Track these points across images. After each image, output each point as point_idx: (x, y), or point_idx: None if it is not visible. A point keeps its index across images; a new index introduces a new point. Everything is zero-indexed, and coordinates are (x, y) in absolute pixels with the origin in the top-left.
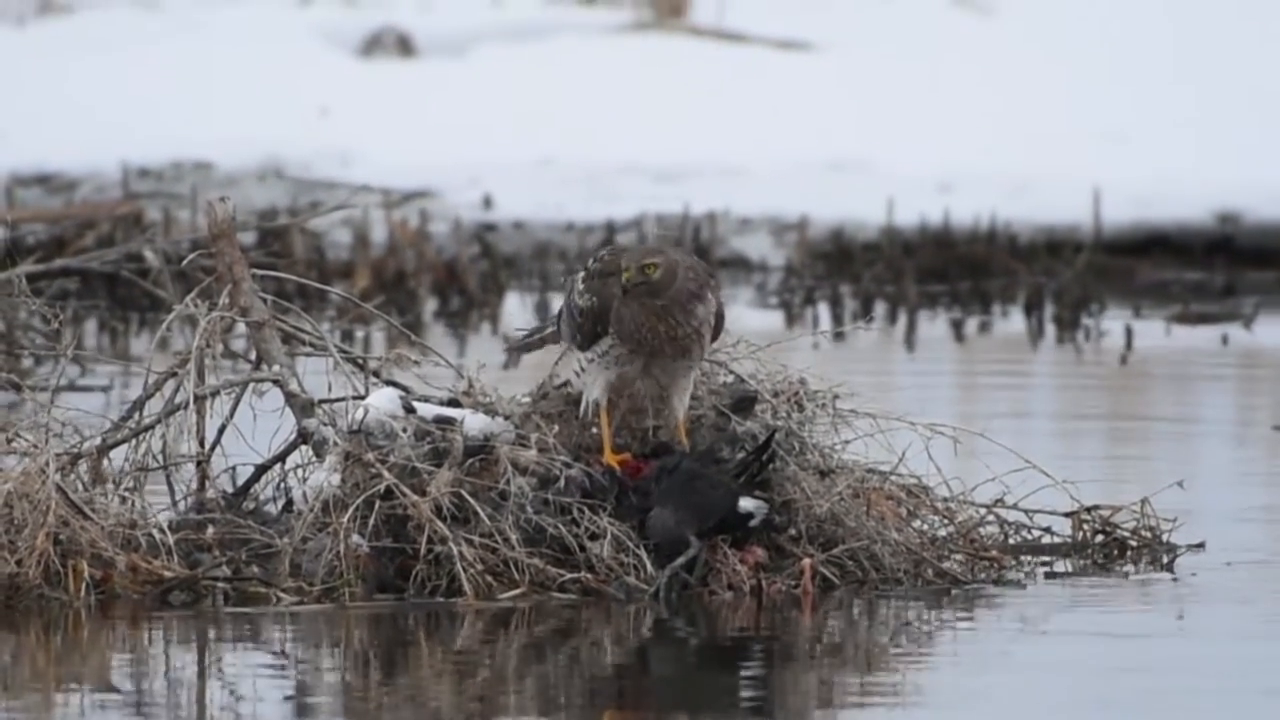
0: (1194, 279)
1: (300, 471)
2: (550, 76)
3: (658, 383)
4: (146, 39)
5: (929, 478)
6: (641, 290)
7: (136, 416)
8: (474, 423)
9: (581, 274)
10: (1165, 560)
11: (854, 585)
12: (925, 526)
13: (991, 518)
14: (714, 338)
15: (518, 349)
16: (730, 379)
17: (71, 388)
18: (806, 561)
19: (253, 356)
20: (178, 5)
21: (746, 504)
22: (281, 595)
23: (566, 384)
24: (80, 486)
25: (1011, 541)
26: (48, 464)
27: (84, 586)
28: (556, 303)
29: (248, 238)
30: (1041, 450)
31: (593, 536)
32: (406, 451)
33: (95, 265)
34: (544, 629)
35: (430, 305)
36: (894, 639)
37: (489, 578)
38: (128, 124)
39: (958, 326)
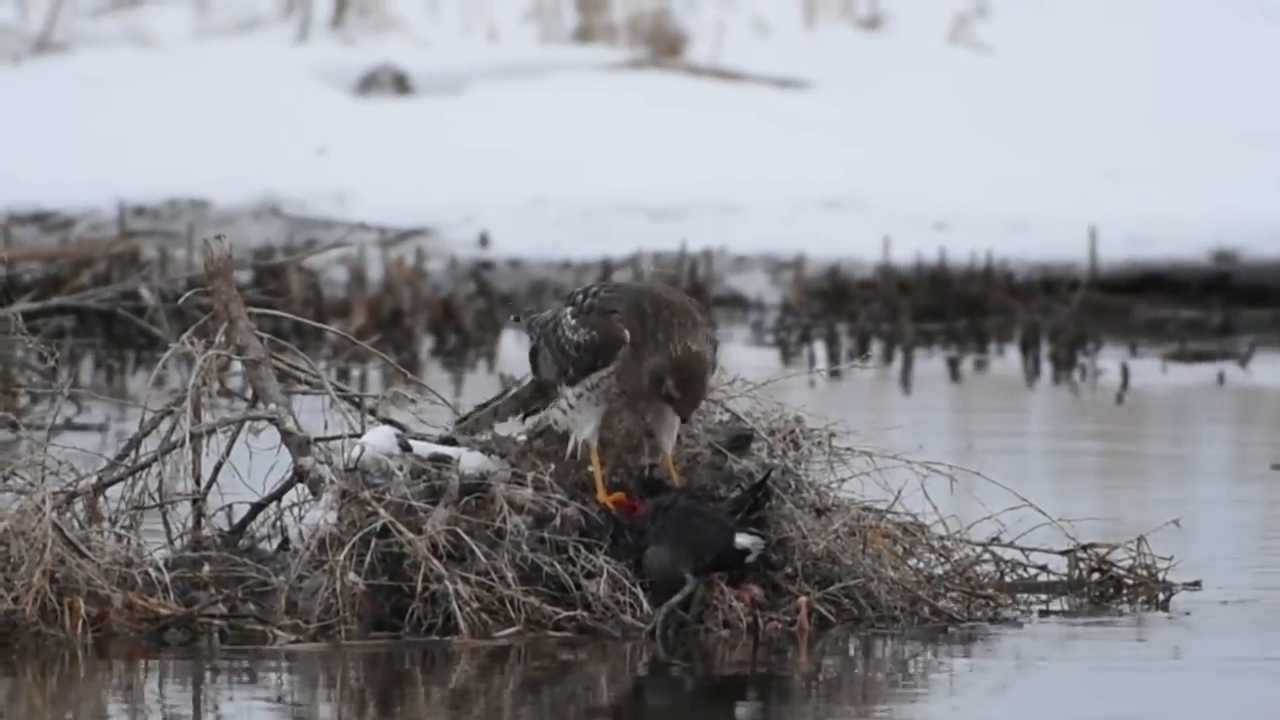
0: (1190, 317)
1: (296, 509)
2: (547, 115)
3: (643, 418)
4: (143, 77)
5: (925, 516)
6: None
7: (133, 454)
8: (470, 461)
9: (570, 309)
10: (1161, 599)
11: (850, 623)
12: (921, 564)
13: (987, 556)
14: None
15: (468, 426)
16: (726, 417)
17: (68, 426)
18: (803, 599)
19: (249, 394)
20: (174, 43)
21: (742, 540)
22: (278, 633)
23: (554, 421)
24: (77, 524)
25: (1007, 580)
26: (44, 502)
27: (80, 624)
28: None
29: (244, 276)
30: (1037, 488)
31: (589, 574)
32: (402, 489)
33: (91, 303)
34: (540, 667)
35: (426, 343)
36: (890, 676)
37: (485, 616)
38: (124, 162)
39: (954, 364)
